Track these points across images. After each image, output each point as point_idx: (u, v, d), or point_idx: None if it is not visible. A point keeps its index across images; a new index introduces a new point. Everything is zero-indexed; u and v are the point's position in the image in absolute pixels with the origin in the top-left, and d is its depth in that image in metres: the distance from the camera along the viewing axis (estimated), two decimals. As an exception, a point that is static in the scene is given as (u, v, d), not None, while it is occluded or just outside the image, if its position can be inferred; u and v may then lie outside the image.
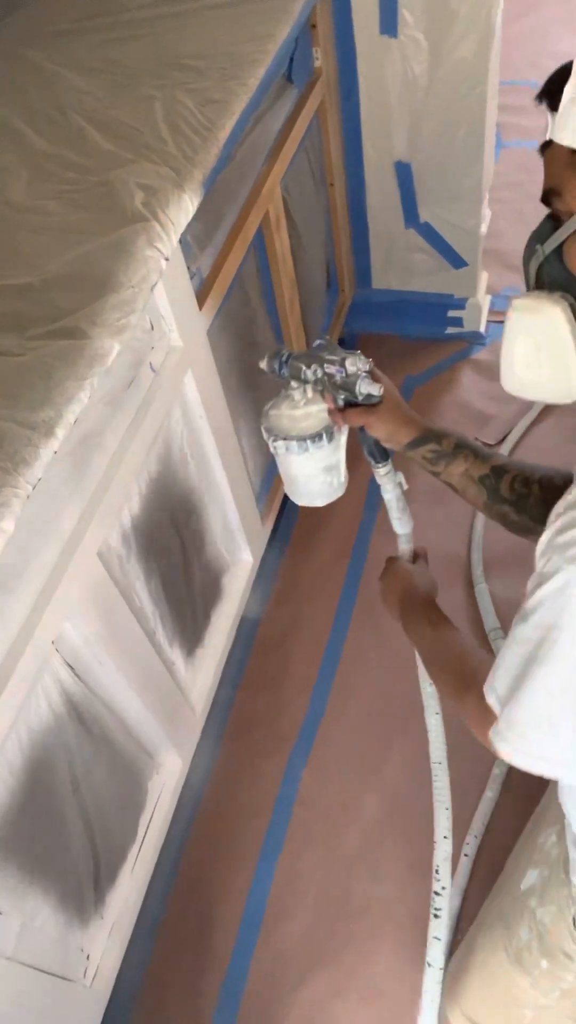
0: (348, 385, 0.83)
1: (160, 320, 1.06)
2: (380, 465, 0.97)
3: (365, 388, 0.83)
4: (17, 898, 0.89)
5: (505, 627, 1.53)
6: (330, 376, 0.84)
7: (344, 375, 0.83)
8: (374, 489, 1.85)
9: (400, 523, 1.03)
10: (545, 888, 0.92)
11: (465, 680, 0.77)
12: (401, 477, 0.99)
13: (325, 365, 0.83)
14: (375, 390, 0.84)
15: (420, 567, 1.05)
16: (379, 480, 0.98)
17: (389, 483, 0.98)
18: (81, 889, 1.04)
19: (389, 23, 1.56)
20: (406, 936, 1.23)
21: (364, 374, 0.83)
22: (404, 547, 1.05)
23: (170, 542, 1.19)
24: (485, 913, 1.05)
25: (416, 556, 1.06)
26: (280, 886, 1.31)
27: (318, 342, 0.87)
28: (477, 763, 1.34)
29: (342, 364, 0.82)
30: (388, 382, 0.88)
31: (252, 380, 1.45)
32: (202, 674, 1.38)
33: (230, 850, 1.36)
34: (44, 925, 0.96)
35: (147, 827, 1.23)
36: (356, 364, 0.83)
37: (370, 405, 0.87)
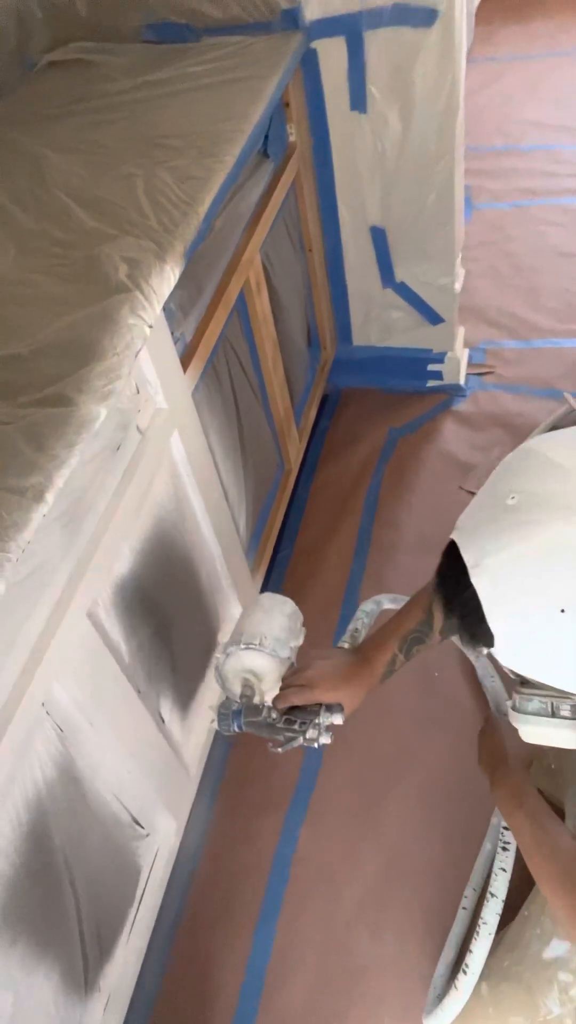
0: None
1: (146, 384, 1.10)
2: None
3: (327, 720, 0.91)
4: (10, 971, 0.87)
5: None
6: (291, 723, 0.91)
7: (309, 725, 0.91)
8: (363, 539, 1.88)
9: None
10: None
11: None
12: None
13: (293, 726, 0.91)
14: (337, 719, 0.91)
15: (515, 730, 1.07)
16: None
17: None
18: (76, 960, 1.01)
19: (358, 100, 1.65)
20: (409, 997, 1.20)
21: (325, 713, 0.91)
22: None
23: (160, 599, 1.20)
24: (492, 966, 1.03)
25: None
26: (280, 949, 1.28)
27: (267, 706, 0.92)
28: (474, 814, 1.32)
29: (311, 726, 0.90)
30: (315, 653, 0.96)
31: (237, 438, 1.49)
32: (195, 732, 1.37)
33: (229, 912, 1.33)
34: (39, 1000, 0.93)
35: (142, 893, 1.21)
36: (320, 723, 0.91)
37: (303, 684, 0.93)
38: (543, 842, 0.89)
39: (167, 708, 1.26)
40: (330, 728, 0.92)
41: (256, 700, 0.90)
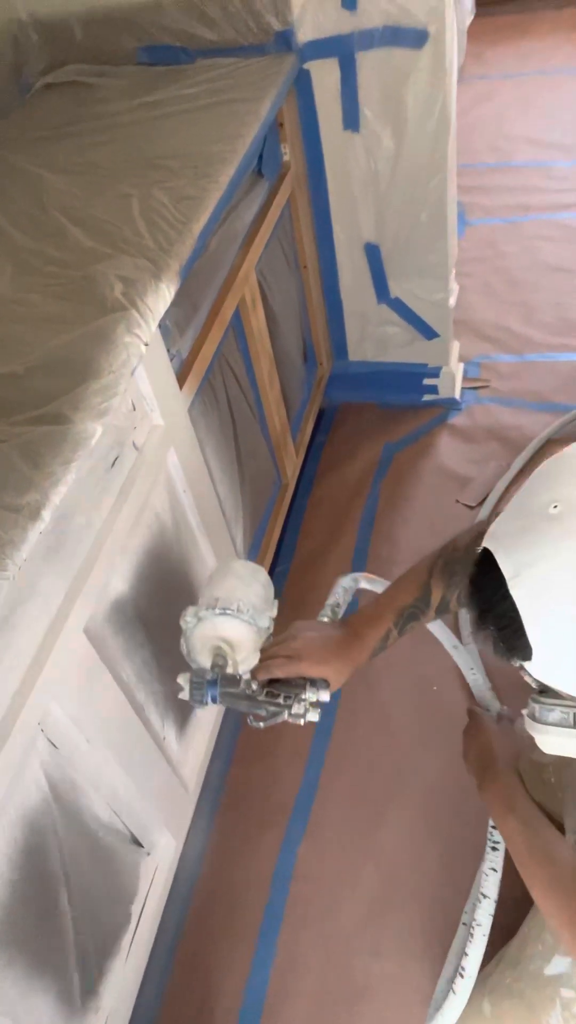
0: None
1: (142, 401, 1.10)
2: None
3: (312, 696, 0.85)
4: (7, 992, 0.87)
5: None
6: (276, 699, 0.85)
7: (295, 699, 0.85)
8: (360, 554, 1.88)
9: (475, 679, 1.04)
10: None
11: None
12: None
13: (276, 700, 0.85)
14: (324, 695, 0.85)
15: (505, 728, 1.04)
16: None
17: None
18: (73, 980, 1.00)
19: (351, 120, 1.67)
20: (410, 1016, 1.19)
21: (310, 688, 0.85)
22: (491, 704, 1.06)
23: (157, 615, 1.20)
24: (494, 983, 1.02)
25: (500, 717, 1.06)
26: (280, 968, 1.27)
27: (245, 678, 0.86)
28: (473, 829, 1.32)
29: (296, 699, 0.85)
30: (302, 624, 0.91)
31: (234, 453, 1.49)
32: (194, 748, 1.37)
33: (229, 930, 1.32)
34: (37, 1021, 0.92)
35: (141, 912, 1.20)
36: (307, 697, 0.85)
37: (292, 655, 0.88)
38: (534, 847, 0.88)
39: (165, 724, 1.26)
40: (316, 705, 0.86)
41: (229, 671, 0.83)
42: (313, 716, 0.85)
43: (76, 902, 1.00)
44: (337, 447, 2.14)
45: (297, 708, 0.84)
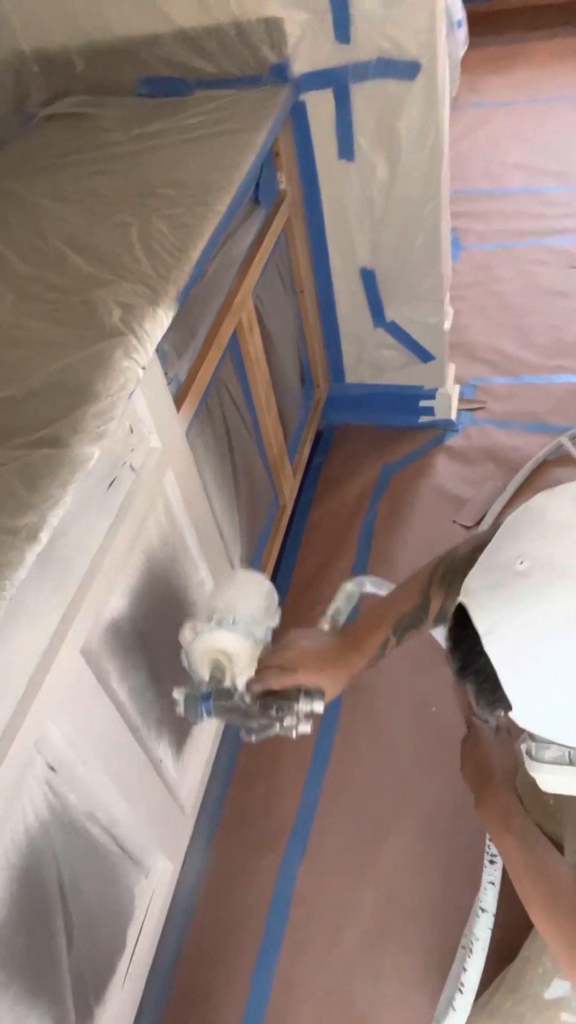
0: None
1: (139, 424, 1.12)
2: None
3: (306, 707, 0.83)
4: (4, 1020, 0.86)
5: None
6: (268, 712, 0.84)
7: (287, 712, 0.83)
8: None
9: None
10: None
11: None
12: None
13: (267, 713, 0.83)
14: (317, 706, 0.83)
15: (502, 740, 1.03)
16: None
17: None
18: (69, 1005, 0.99)
19: (346, 149, 1.70)
20: (411, 1043, 1.18)
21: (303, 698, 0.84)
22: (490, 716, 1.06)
23: (154, 636, 1.20)
24: (494, 1007, 1.02)
25: (499, 728, 1.05)
26: (279, 995, 1.26)
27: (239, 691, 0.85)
28: (472, 850, 1.31)
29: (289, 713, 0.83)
30: (297, 633, 0.90)
31: (231, 475, 1.51)
32: (191, 770, 1.36)
33: (227, 954, 1.31)
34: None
35: (138, 936, 1.19)
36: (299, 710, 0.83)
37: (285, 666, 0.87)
38: (531, 865, 0.87)
39: (162, 746, 1.26)
40: (309, 716, 0.84)
41: (227, 684, 0.83)
42: (305, 727, 0.84)
43: (72, 926, 0.99)
44: (335, 468, 2.16)
45: (289, 720, 0.83)
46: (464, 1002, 1.01)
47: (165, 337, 1.08)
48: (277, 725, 0.83)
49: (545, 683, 0.59)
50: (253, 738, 0.85)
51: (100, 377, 0.92)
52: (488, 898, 1.04)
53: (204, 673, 0.85)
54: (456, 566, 0.92)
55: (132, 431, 1.11)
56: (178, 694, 0.86)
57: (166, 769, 1.27)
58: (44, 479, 0.80)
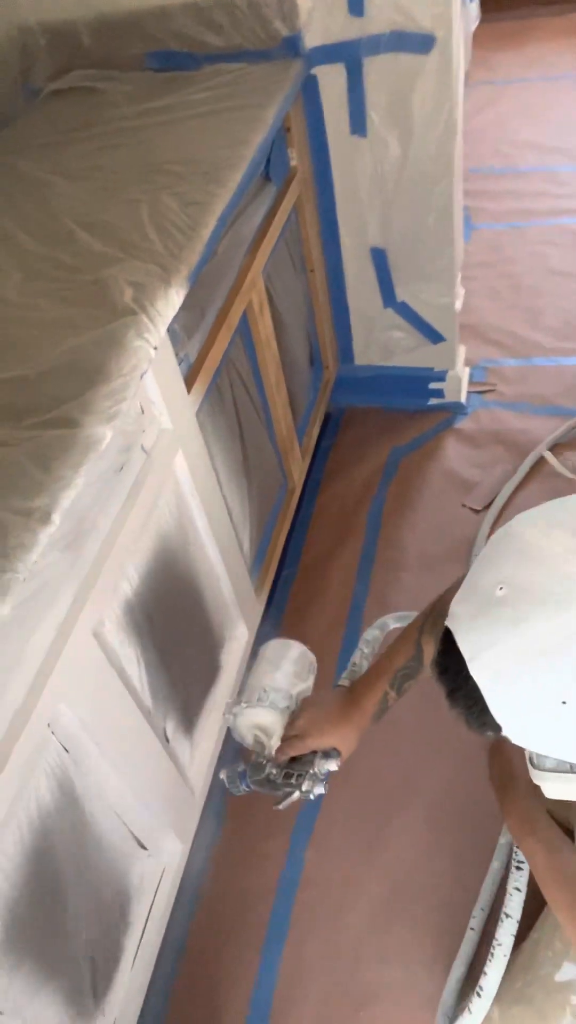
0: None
1: (150, 404, 1.11)
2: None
3: (322, 768, 0.92)
4: (16, 995, 0.87)
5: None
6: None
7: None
8: (366, 558, 1.88)
9: None
10: None
11: None
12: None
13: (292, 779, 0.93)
14: (332, 765, 0.92)
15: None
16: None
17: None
18: (80, 984, 1.00)
19: (358, 124, 1.67)
20: (418, 1022, 1.18)
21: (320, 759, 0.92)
22: None
23: (165, 618, 1.20)
24: (504, 989, 1.02)
25: None
26: (287, 975, 1.27)
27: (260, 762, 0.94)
28: (480, 835, 1.32)
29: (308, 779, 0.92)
30: (307, 700, 0.97)
31: (241, 457, 1.50)
32: (201, 751, 1.36)
33: (235, 936, 1.32)
34: (43, 1025, 0.92)
35: (148, 914, 1.20)
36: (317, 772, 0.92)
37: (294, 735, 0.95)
38: (556, 868, 0.88)
39: (172, 728, 1.26)
40: (326, 776, 0.92)
41: (266, 754, 0.92)
42: (320, 789, 0.91)
43: (83, 905, 1.00)
44: (344, 451, 2.14)
45: (307, 785, 0.91)
46: (481, 1006, 1.02)
47: (176, 317, 1.06)
48: (296, 792, 0.91)
49: (529, 705, 0.61)
50: (280, 807, 0.92)
51: (112, 357, 0.91)
52: (513, 904, 1.06)
53: (251, 743, 0.93)
54: (446, 612, 0.93)
55: (143, 412, 1.10)
56: (223, 775, 0.95)
57: (176, 749, 1.27)
58: (56, 460, 0.79)
